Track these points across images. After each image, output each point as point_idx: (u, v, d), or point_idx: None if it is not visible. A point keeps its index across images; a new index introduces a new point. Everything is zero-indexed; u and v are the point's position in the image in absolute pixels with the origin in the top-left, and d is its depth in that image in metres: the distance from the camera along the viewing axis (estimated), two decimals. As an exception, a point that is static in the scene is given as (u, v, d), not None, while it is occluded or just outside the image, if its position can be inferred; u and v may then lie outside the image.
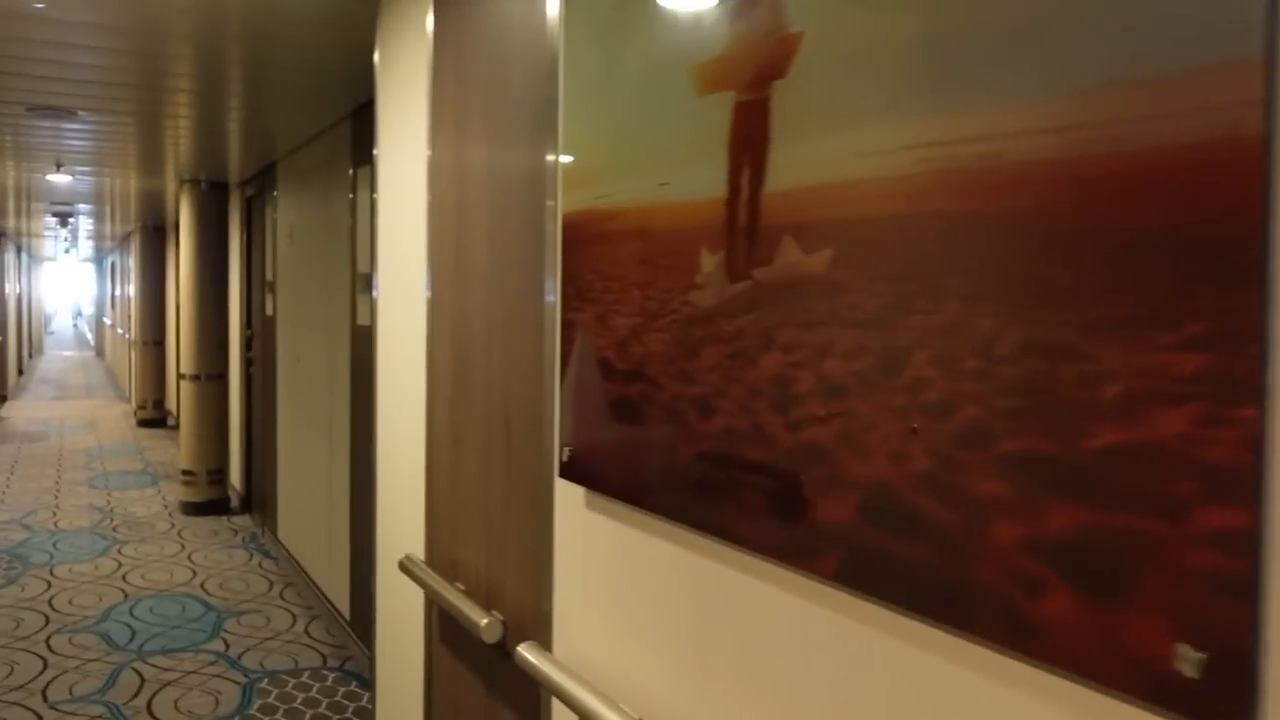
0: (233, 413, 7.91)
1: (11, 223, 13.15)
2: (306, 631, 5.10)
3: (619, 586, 1.54)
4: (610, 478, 1.52)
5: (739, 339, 1.23)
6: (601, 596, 1.60)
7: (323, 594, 5.34)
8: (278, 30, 3.45)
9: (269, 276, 6.71)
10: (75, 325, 42.22)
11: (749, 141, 1.21)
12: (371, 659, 3.02)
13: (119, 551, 6.57)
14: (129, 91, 4.36)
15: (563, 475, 1.66)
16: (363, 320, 4.55)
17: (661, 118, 1.39)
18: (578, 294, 1.61)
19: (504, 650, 1.93)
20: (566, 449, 1.64)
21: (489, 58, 2.07)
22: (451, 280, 2.26)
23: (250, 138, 5.78)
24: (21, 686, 4.32)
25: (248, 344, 7.63)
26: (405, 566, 2.30)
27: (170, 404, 12.60)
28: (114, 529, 7.21)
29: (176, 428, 12.21)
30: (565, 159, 1.66)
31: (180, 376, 7.72)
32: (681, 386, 1.34)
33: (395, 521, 2.70)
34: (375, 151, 2.89)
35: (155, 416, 12.69)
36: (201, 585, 5.84)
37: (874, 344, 1.03)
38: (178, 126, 5.38)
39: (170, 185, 8.04)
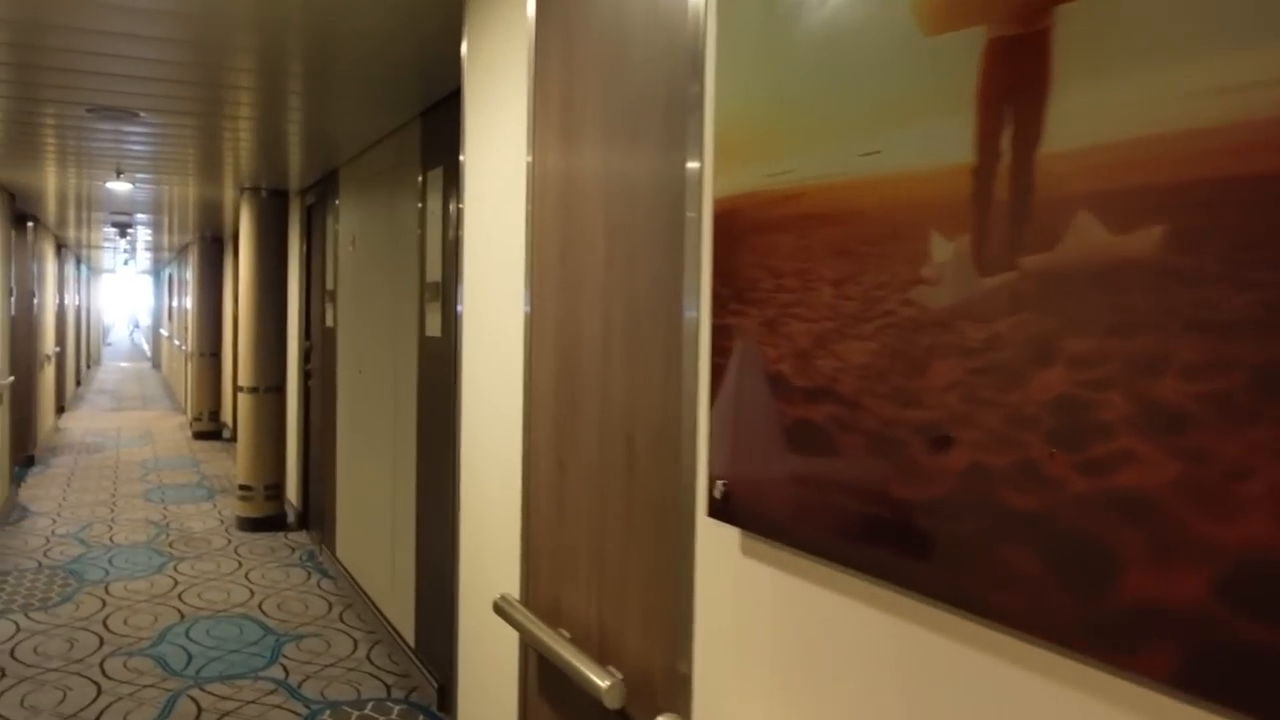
0: (290, 426, 7.73)
1: (72, 233, 13.18)
2: (369, 658, 4.85)
3: (791, 654, 1.25)
4: (783, 520, 1.23)
5: (994, 349, 0.93)
6: (764, 664, 1.31)
7: (384, 618, 5.09)
8: (343, 19, 3.22)
9: (329, 286, 6.51)
10: (132, 337, 42.78)
11: (1013, 89, 0.92)
12: (448, 700, 2.75)
13: (175, 568, 6.39)
14: (190, 89, 4.16)
15: (713, 514, 1.37)
16: (432, 331, 4.30)
17: (865, 70, 1.10)
18: (736, 295, 1.32)
19: (626, 718, 1.65)
20: (719, 483, 1.35)
21: (609, 25, 1.80)
22: (556, 289, 1.99)
23: (312, 142, 5.59)
24: (74, 715, 4.11)
25: (306, 355, 7.45)
26: (502, 609, 2.03)
27: (225, 416, 12.52)
28: (170, 544, 7.04)
29: (231, 440, 12.14)
30: (716, 134, 1.38)
31: (238, 389, 7.55)
32: (897, 409, 1.05)
33: (483, 554, 2.43)
34: (462, 157, 2.64)
35: (211, 429, 12.61)
36: (259, 606, 5.62)
37: (1246, 355, 0.73)
38: (238, 129, 5.20)
39: (229, 193, 7.91)
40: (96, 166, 6.55)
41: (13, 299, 8.43)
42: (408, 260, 4.73)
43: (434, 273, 4.27)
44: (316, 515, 7.12)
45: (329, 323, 6.52)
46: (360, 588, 5.64)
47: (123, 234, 11.73)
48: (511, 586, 2.20)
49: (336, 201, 6.32)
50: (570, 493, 1.92)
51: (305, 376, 7.47)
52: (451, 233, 4.04)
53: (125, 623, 5.30)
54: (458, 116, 4.11)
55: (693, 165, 1.47)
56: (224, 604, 5.65)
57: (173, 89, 4.14)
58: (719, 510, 1.36)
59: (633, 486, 1.68)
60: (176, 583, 6.06)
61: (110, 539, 7.17)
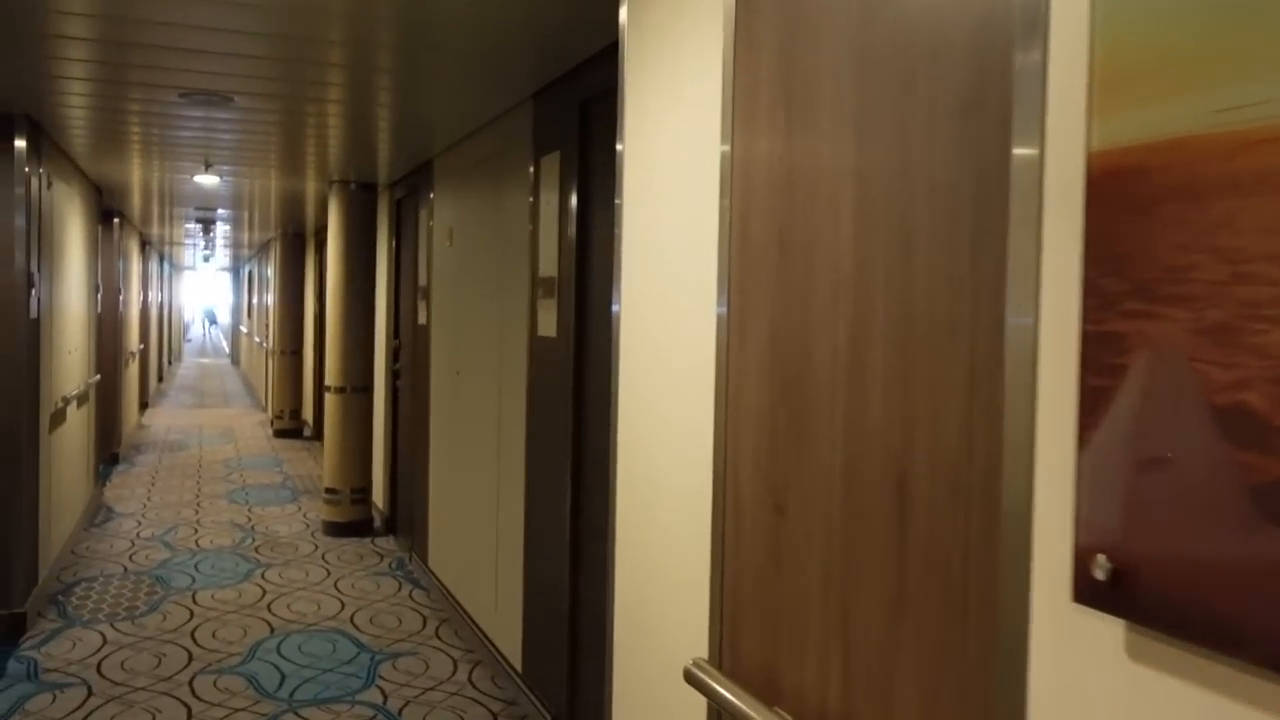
0: (377, 428, 7.46)
1: (155, 230, 13.17)
2: (470, 681, 4.52)
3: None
4: (1236, 622, 0.83)
5: None
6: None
7: (486, 638, 4.76)
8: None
9: (422, 282, 6.21)
10: (207, 333, 43.37)
11: None
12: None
13: (263, 576, 6.14)
14: (281, 69, 3.86)
15: (1085, 600, 0.97)
16: (546, 331, 3.95)
17: None
18: (1139, 289, 0.91)
19: None
20: (1099, 558, 0.95)
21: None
22: (771, 289, 1.60)
23: (404, 131, 5.28)
24: (165, 741, 3.84)
25: (395, 355, 7.17)
26: (695, 677, 1.64)
27: (306, 414, 12.39)
28: (256, 549, 6.81)
29: (313, 439, 12.00)
30: (1095, 56, 0.97)
31: (325, 389, 7.31)
32: None
33: (648, 600, 2.05)
34: (620, 146, 2.25)
35: (292, 427, 12.48)
36: (351, 619, 5.33)
37: None
38: (326, 117, 4.90)
39: (312, 187, 7.67)
40: (184, 159, 6.33)
41: (99, 295, 8.30)
42: (515, 254, 4.38)
43: (548, 267, 3.91)
44: (405, 521, 6.83)
45: (421, 321, 6.22)
46: (456, 602, 5.32)
47: (206, 230, 11.64)
48: (694, 644, 1.82)
49: (431, 194, 6.01)
50: (793, 541, 1.53)
51: (393, 377, 7.19)
52: (571, 225, 3.68)
53: (214, 636, 5.04)
54: (577, 97, 3.76)
55: (1028, 115, 1.06)
56: (315, 616, 5.37)
57: (265, 69, 3.84)
58: (1098, 595, 0.95)
59: (906, 545, 1.28)
60: (265, 592, 5.80)
61: (196, 543, 6.97)
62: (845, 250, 1.40)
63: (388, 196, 7.36)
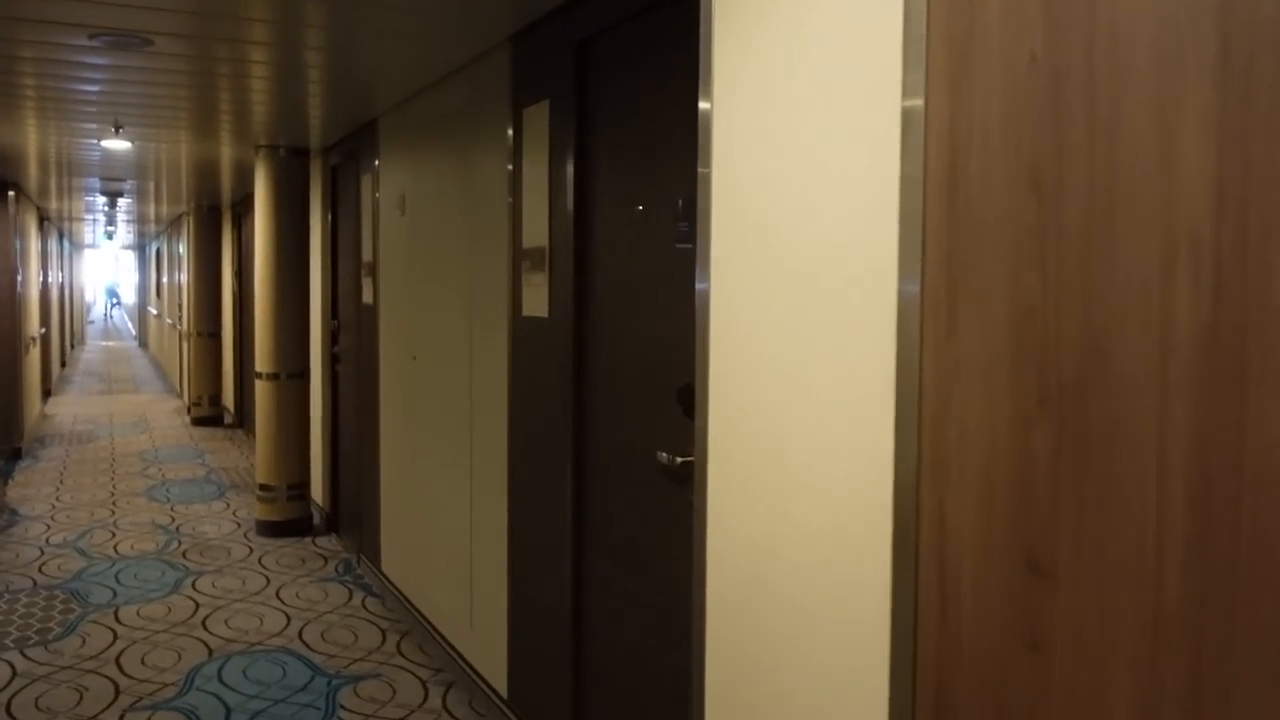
0: (314, 418, 6.83)
1: (54, 204, 12.18)
2: (446, 707, 4.00)
3: None
4: None
5: None
6: None
7: (458, 654, 4.23)
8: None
9: (366, 258, 5.60)
10: (109, 316, 41.38)
11: None
12: None
13: (194, 586, 5.51)
14: (200, 11, 3.25)
15: None
16: (534, 310, 3.42)
17: None
18: None
19: None
20: None
21: None
22: (1016, 255, 1.11)
23: (342, 85, 4.68)
24: (93, 802, 3.25)
25: (333, 338, 6.54)
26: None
27: (227, 400, 11.62)
28: (184, 554, 6.15)
29: (235, 426, 11.24)
30: None
31: (256, 375, 6.65)
32: None
33: (769, 698, 1.56)
34: (705, 104, 1.75)
35: (211, 414, 11.69)
36: (300, 635, 4.76)
37: None
38: (250, 64, 4.27)
39: (230, 152, 6.95)
40: (90, 119, 5.60)
41: (-6, 276, 7.48)
42: (489, 222, 3.83)
43: (535, 236, 3.38)
44: (349, 519, 6.24)
45: (366, 300, 5.62)
46: (419, 613, 4.77)
47: (113, 203, 10.75)
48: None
49: (376, 160, 5.40)
50: (1069, 617, 1.05)
51: (332, 361, 6.57)
52: (568, 186, 3.15)
53: (144, 662, 4.42)
54: (574, 34, 3.20)
55: None
56: (258, 633, 4.78)
57: (184, 15, 3.23)
58: None
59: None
60: (198, 605, 5.18)
61: (114, 548, 6.28)
62: (1190, 181, 0.93)
63: (321, 163, 6.70)
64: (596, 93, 3.05)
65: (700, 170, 1.75)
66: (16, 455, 9.18)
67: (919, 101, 1.22)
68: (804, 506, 1.44)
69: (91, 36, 3.58)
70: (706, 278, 1.74)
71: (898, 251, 1.26)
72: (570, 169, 3.13)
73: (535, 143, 3.39)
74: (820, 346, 1.40)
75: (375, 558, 5.54)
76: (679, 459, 2.55)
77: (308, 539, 6.57)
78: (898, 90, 1.26)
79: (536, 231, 3.38)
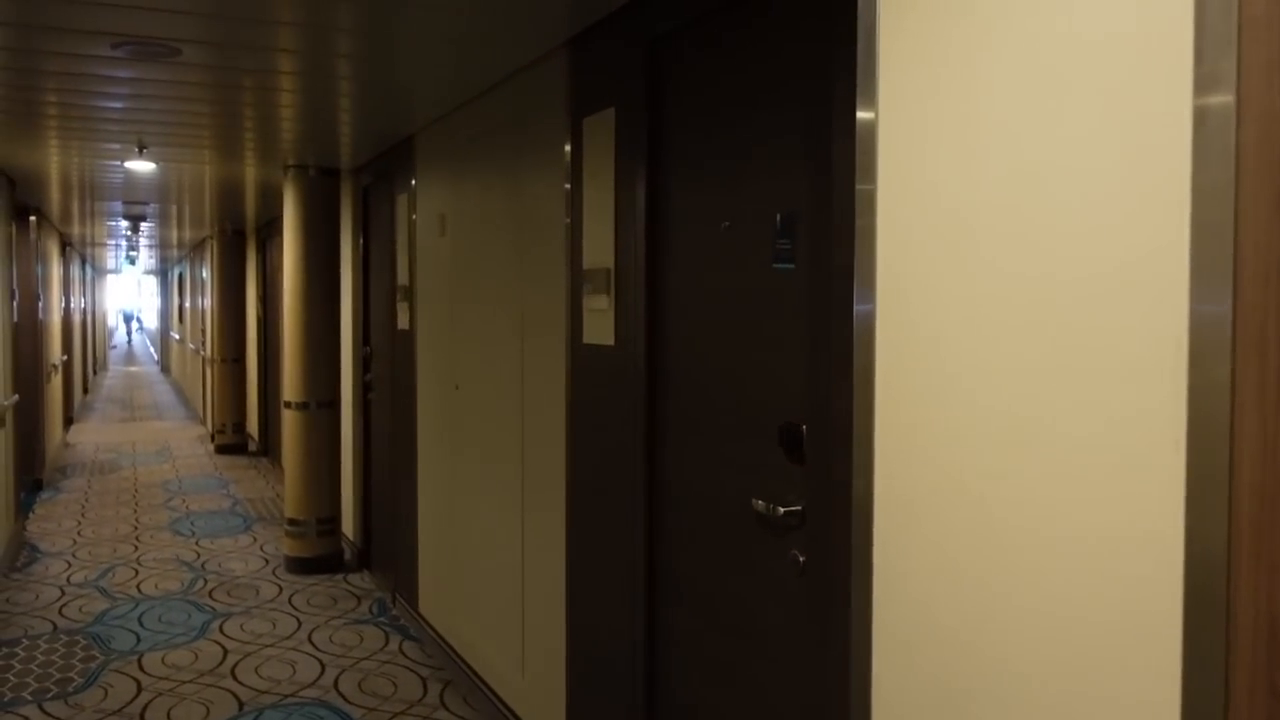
0: (345, 449, 6.54)
1: (77, 229, 12.00)
2: (496, 770, 3.68)
3: None
4: None
5: None
6: None
7: (507, 708, 3.91)
8: None
9: (402, 281, 5.32)
10: (129, 340, 41.35)
11: None
12: None
13: (221, 629, 5.21)
14: (226, 21, 2.98)
15: None
16: (597, 338, 3.12)
17: None
18: None
19: None
20: None
21: None
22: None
23: (377, 101, 4.41)
24: None
25: (365, 365, 6.26)
26: None
27: (251, 428, 11.37)
28: (210, 594, 5.86)
29: (259, 455, 10.98)
30: None
31: (285, 405, 6.37)
32: None
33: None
34: (867, 114, 1.47)
35: (235, 442, 11.44)
36: (335, 685, 4.45)
37: None
38: (280, 75, 4.01)
39: (254, 173, 6.70)
40: (112, 139, 5.36)
41: (15, 303, 7.25)
42: (542, 242, 3.54)
43: (599, 256, 3.08)
44: (383, 556, 5.94)
45: (402, 326, 5.33)
46: (461, 659, 4.46)
47: (135, 228, 10.54)
48: None
49: (412, 179, 5.13)
50: None
51: (364, 389, 6.29)
52: (639, 202, 2.85)
53: (170, 717, 4.12)
54: (645, 33, 2.87)
55: None
56: (291, 683, 4.47)
57: (222, 5, 2.96)
58: None
59: None
60: (226, 652, 4.88)
61: (138, 587, 6.00)
62: None
63: (352, 183, 6.44)
64: (671, 98, 2.76)
65: (861, 188, 1.46)
66: (38, 486, 8.94)
67: (1225, 98, 0.93)
68: (1033, 594, 1.13)
69: (114, 45, 3.31)
70: (870, 299, 1.44)
71: (1189, 270, 0.96)
72: (641, 182, 2.84)
73: (598, 155, 3.09)
74: (1063, 386, 1.10)
75: (412, 598, 5.24)
76: (781, 509, 2.24)
77: (339, 576, 6.27)
78: (1186, 84, 0.97)
79: (599, 252, 3.08)
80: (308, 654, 4.85)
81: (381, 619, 5.42)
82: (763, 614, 2.36)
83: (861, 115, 1.48)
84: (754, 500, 2.35)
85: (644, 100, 2.82)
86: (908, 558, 1.36)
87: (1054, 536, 1.09)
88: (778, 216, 2.30)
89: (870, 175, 1.45)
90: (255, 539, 7.26)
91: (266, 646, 4.95)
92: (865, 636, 1.43)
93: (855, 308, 1.48)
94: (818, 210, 2.11)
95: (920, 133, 1.40)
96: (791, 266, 2.25)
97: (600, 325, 3.09)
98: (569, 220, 3.29)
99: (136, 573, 6.32)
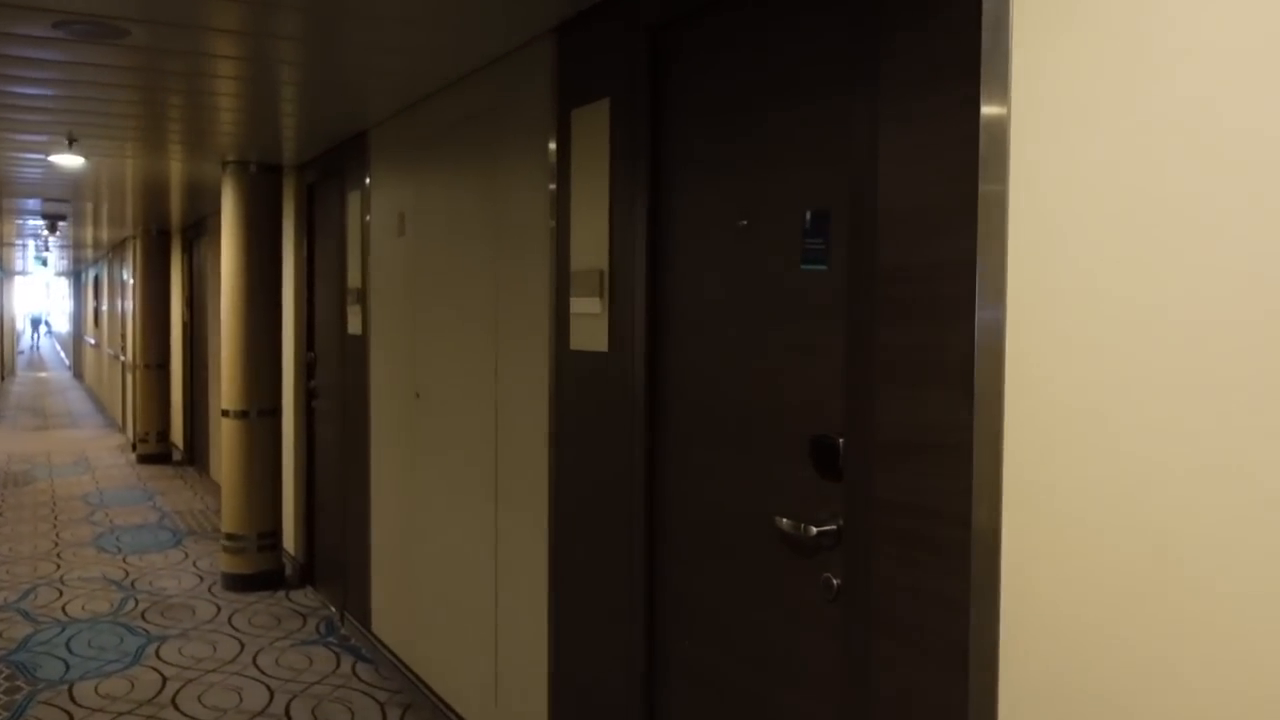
0: (287, 460, 6.23)
1: (-13, 229, 11.39)
2: (470, 803, 3.45)
3: None
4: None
5: None
6: None
7: (479, 737, 3.70)
8: None
9: (353, 284, 5.06)
10: (35, 345, 39.77)
11: None
12: None
13: (157, 654, 4.88)
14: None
15: None
16: (586, 344, 2.93)
17: None
18: None
19: None
20: None
21: None
22: None
23: (327, 93, 4.17)
24: None
25: (309, 371, 5.97)
26: None
27: (176, 436, 10.91)
28: (143, 615, 5.51)
29: (185, 464, 10.52)
30: None
31: (223, 413, 6.04)
32: None
33: None
34: (995, 109, 1.33)
35: (159, 451, 10.96)
36: (286, 712, 4.17)
37: None
38: (216, 65, 3.75)
39: (184, 169, 6.34)
40: (35, 130, 5.00)
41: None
42: (520, 240, 3.34)
43: (590, 257, 2.90)
44: (329, 572, 5.66)
45: (354, 330, 5.07)
46: (422, 683, 4.22)
47: (52, 228, 10.02)
48: None
49: (366, 176, 4.87)
50: None
51: (308, 397, 5.99)
52: (641, 197, 2.67)
53: (108, 753, 3.82)
54: (643, 19, 2.65)
55: None
56: (238, 712, 4.18)
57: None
58: None
59: None
60: (164, 679, 4.56)
61: (63, 609, 5.62)
62: None
63: (295, 181, 6.14)
64: (676, 88, 2.58)
65: (987, 187, 1.31)
66: (-54, 501, 8.42)
67: None
68: (1224, 654, 0.98)
69: (57, 25, 3.03)
70: (998, 304, 1.29)
71: None
72: (642, 178, 2.66)
73: (589, 148, 2.91)
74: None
75: (364, 616, 4.97)
76: (815, 528, 2.08)
77: (281, 593, 5.96)
78: None
79: (591, 252, 2.90)
80: (254, 679, 4.56)
81: (330, 639, 5.14)
82: (786, 640, 2.19)
83: (988, 111, 1.34)
84: (778, 519, 2.18)
85: (646, 90, 2.64)
86: (1055, 604, 1.20)
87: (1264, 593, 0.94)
88: (806, 214, 2.14)
89: (999, 174, 1.30)
90: (187, 554, 6.89)
91: (209, 672, 4.64)
92: (989, 697, 1.27)
93: (977, 315, 1.32)
94: (858, 208, 1.95)
95: (1070, 124, 1.25)
96: (824, 268, 2.09)
97: (591, 330, 2.91)
98: (554, 218, 3.10)
99: (61, 593, 5.93)
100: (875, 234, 1.90)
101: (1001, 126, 1.33)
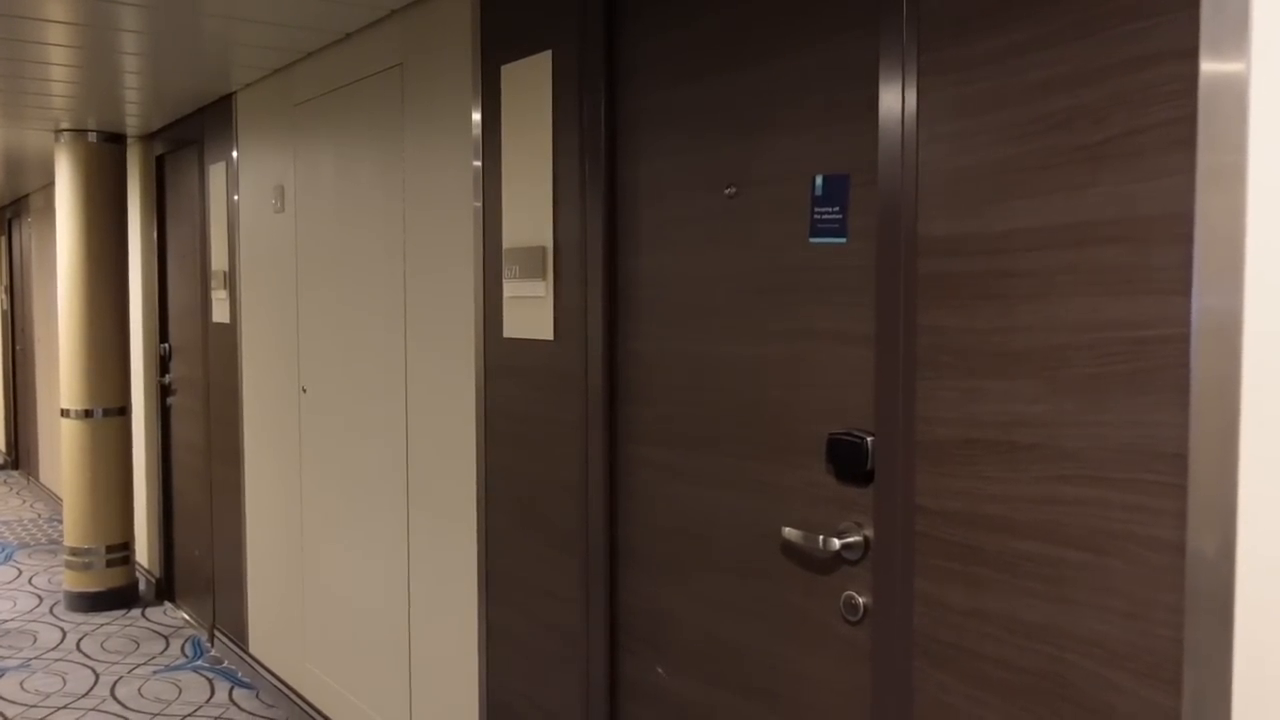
0: (140, 463, 5.61)
1: None
2: None
3: None
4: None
5: None
6: None
7: (390, 772, 3.31)
8: None
9: (219, 266, 4.53)
10: None
11: None
12: None
13: (-5, 692, 4.27)
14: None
15: None
16: (527, 331, 2.58)
17: None
18: None
19: None
20: None
21: None
22: None
23: (177, 47, 3.66)
24: None
25: (163, 365, 5.38)
26: None
27: (-2, 438, 9.90)
28: (-27, 646, 4.85)
29: (9, 468, 9.57)
30: None
31: (63, 413, 5.37)
32: None
33: None
34: (1234, 64, 1.09)
35: (-22, 455, 9.92)
36: (158, 754, 3.68)
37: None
38: (54, 19, 3.23)
39: (3, 138, 5.62)
40: None
41: None
42: (436, 212, 2.96)
43: (528, 233, 2.55)
44: (193, 587, 5.11)
45: (221, 318, 4.54)
46: (315, 710, 3.79)
47: None
48: None
49: (233, 148, 4.35)
50: None
51: (162, 393, 5.40)
52: (597, 161, 2.33)
53: (-56, 818, 3.25)
54: None
55: None
56: (100, 757, 3.66)
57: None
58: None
59: None
60: (6, 719, 3.98)
61: (-126, 643, 4.89)
62: None
63: (142, 151, 5.50)
64: (638, 33, 2.26)
65: (1214, 157, 1.05)
66: None
67: None
68: None
69: None
70: (1234, 292, 1.02)
71: None
72: (598, 142, 2.33)
73: (525, 109, 2.55)
74: None
75: (240, 635, 4.48)
76: (837, 540, 1.81)
77: (135, 612, 5.36)
78: None
79: (529, 227, 2.55)
80: (114, 714, 4.02)
81: (200, 663, 4.62)
82: (797, 668, 1.93)
83: (1212, 68, 1.07)
84: (785, 529, 1.91)
85: (600, 38, 2.31)
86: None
87: None
88: (817, 180, 1.87)
89: (1239, 144, 1.04)
90: (21, 571, 6.16)
91: (59, 709, 4.07)
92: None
93: (1194, 303, 1.06)
94: (888, 172, 1.68)
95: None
96: (843, 240, 1.82)
97: (532, 315, 2.56)
98: (481, 188, 2.73)
99: None
100: (912, 203, 1.64)
101: (1239, 90, 1.07)
